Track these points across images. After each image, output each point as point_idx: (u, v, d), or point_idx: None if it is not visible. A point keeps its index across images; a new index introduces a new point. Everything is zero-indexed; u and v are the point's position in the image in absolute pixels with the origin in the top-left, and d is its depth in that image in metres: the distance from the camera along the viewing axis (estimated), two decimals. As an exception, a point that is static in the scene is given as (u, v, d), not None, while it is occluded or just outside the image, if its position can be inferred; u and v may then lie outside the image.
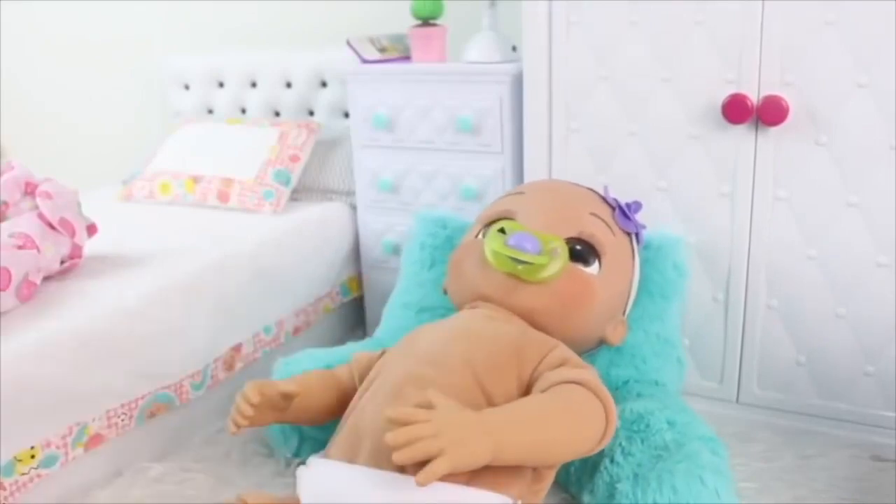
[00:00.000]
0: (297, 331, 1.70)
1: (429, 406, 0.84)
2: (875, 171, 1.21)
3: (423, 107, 1.64)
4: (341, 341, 1.65)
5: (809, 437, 1.34)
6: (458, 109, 1.60)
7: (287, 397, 1.04)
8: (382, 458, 0.86)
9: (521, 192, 1.23)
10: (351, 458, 0.92)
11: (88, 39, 2.55)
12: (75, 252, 1.42)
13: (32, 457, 1.15)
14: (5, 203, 1.41)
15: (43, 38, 2.64)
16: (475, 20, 1.65)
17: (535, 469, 0.94)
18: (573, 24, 1.38)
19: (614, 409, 0.94)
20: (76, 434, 1.21)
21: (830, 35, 1.19)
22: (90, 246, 1.49)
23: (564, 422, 0.89)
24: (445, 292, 1.21)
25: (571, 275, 1.08)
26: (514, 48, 1.61)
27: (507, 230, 1.10)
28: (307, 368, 1.22)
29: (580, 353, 1.06)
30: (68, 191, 1.45)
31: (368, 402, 0.97)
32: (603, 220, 1.16)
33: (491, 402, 0.93)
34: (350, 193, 1.89)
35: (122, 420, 1.28)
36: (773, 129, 1.26)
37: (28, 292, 1.25)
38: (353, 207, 1.86)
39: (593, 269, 1.12)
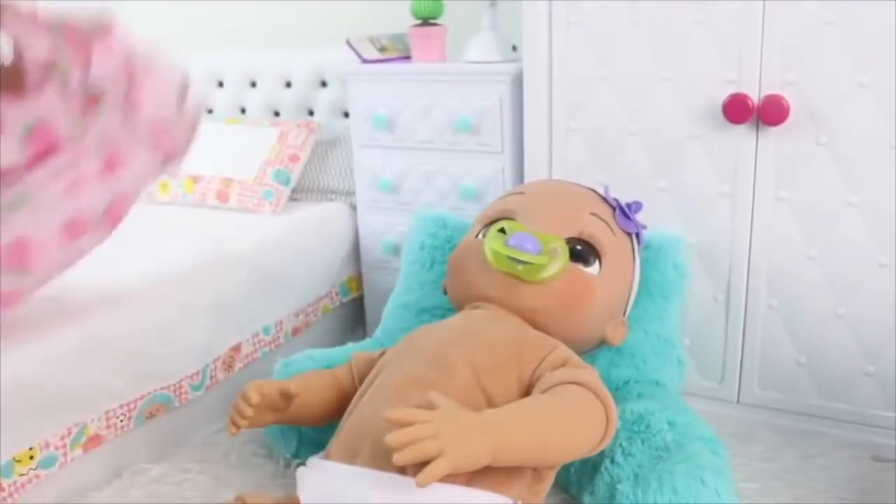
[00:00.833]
0: (296, 331, 1.69)
1: (429, 407, 0.83)
2: (876, 171, 1.21)
3: (423, 107, 1.64)
4: (341, 341, 1.65)
5: (810, 437, 1.34)
6: (458, 109, 1.60)
7: (287, 397, 1.04)
8: (382, 459, 0.86)
9: (521, 192, 1.22)
10: (351, 459, 0.91)
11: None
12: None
13: (31, 458, 1.15)
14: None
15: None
16: (475, 20, 1.65)
17: (535, 470, 0.94)
18: (573, 24, 1.38)
19: (615, 410, 0.94)
20: (75, 435, 1.21)
21: (831, 35, 1.19)
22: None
23: (565, 422, 0.89)
24: (445, 292, 1.21)
25: (572, 275, 1.08)
26: (514, 48, 1.61)
27: (507, 230, 1.10)
28: (307, 369, 1.21)
29: (580, 354, 1.05)
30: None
31: (368, 403, 0.97)
32: (603, 221, 1.16)
33: (491, 403, 0.93)
34: (350, 193, 1.89)
35: (121, 421, 1.28)
36: (774, 129, 1.26)
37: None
38: (353, 207, 1.86)
39: (593, 269, 1.12)
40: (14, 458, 1.12)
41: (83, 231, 1.08)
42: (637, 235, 1.23)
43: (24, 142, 0.95)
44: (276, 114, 2.15)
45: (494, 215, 1.18)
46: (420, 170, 1.68)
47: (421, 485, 0.77)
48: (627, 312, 1.21)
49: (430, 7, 1.65)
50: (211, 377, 1.45)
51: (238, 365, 1.52)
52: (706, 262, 1.37)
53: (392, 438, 0.78)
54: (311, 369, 1.19)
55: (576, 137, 1.44)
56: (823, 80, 1.21)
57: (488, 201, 1.52)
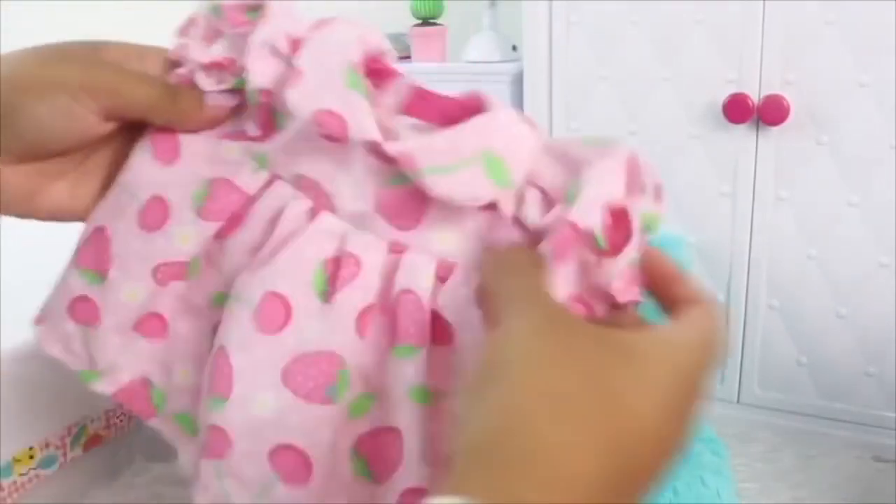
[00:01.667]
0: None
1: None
2: (876, 171, 1.21)
3: (423, 107, 1.64)
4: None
5: (810, 437, 1.34)
6: (458, 109, 1.60)
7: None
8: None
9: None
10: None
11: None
12: None
13: (31, 457, 1.15)
14: None
15: (43, 38, 2.64)
16: (475, 20, 1.65)
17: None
18: (573, 24, 1.38)
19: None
20: (75, 434, 1.21)
21: (831, 34, 1.19)
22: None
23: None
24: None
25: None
26: (514, 48, 1.61)
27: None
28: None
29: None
30: None
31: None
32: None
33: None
34: (350, 193, 1.89)
35: (122, 420, 1.28)
36: (774, 129, 1.26)
37: None
38: (353, 207, 1.86)
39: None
40: (14, 458, 1.12)
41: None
42: (637, 235, 1.22)
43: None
44: (277, 114, 2.15)
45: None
46: (420, 170, 1.68)
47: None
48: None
49: (430, 7, 1.65)
50: (211, 377, 1.45)
51: (238, 365, 1.52)
52: (706, 261, 1.37)
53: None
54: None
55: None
56: (824, 80, 1.21)
57: (488, 201, 1.52)
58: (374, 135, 0.34)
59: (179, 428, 0.45)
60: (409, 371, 0.35)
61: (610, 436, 0.26)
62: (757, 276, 1.34)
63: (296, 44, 0.36)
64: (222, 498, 0.38)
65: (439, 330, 0.35)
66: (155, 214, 0.40)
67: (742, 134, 1.29)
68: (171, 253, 0.40)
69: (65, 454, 1.20)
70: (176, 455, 0.48)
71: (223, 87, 0.38)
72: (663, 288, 0.35)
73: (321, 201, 0.38)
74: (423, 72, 1.64)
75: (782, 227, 1.30)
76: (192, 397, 0.42)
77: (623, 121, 1.38)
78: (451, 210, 0.35)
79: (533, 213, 0.34)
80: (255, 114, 0.39)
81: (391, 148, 0.34)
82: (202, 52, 0.39)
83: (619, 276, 0.33)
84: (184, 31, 0.40)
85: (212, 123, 0.40)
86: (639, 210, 0.34)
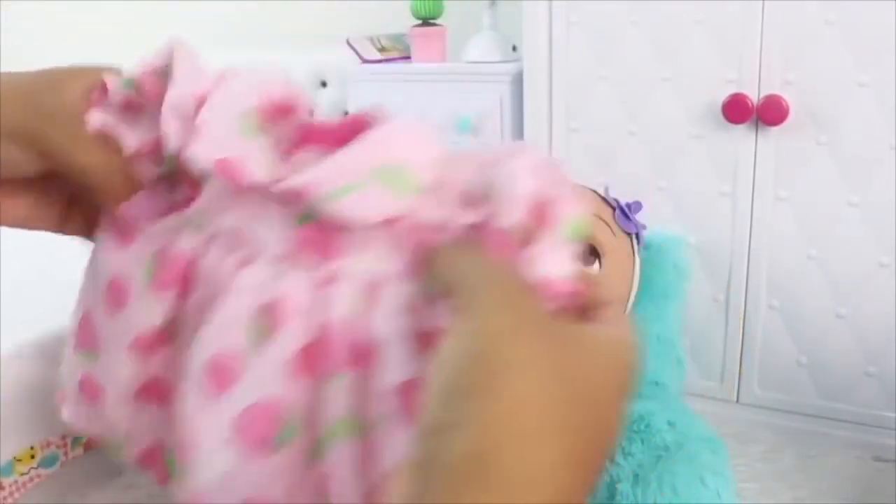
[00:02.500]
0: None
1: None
2: (876, 171, 1.21)
3: (423, 107, 1.64)
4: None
5: (810, 437, 1.34)
6: (458, 109, 1.60)
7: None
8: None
9: (521, 192, 1.22)
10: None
11: (88, 40, 2.55)
12: None
13: (32, 457, 1.15)
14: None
15: (43, 38, 2.64)
16: (475, 20, 1.65)
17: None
18: (573, 24, 1.38)
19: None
20: (76, 434, 1.21)
21: (831, 34, 1.19)
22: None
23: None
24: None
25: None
26: (514, 48, 1.61)
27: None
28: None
29: (580, 354, 1.06)
30: None
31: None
32: (603, 221, 1.16)
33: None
34: (350, 193, 1.89)
35: (122, 420, 1.28)
36: (774, 129, 1.26)
37: None
38: (354, 207, 1.86)
39: (593, 269, 1.12)
40: (15, 458, 1.13)
41: None
42: (637, 236, 1.22)
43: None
44: (277, 114, 2.15)
45: (494, 215, 1.18)
46: (420, 170, 1.68)
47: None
48: (627, 313, 1.21)
49: (430, 7, 1.65)
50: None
51: (238, 365, 1.52)
52: (706, 261, 1.37)
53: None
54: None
55: (576, 137, 1.44)
56: (823, 80, 1.21)
57: (488, 201, 1.52)
58: (262, 177, 0.35)
59: None
60: (341, 401, 0.35)
61: (587, 444, 0.27)
62: (757, 276, 1.34)
63: (201, 101, 0.37)
64: None
65: (369, 353, 0.35)
66: (118, 295, 0.41)
67: (742, 134, 1.29)
68: (142, 326, 0.41)
69: (66, 454, 1.20)
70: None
71: (162, 169, 0.40)
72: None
73: (249, 251, 0.38)
74: (423, 72, 1.64)
75: (782, 227, 1.30)
76: None
77: (623, 121, 1.38)
78: (367, 230, 0.35)
79: (453, 216, 0.34)
80: (183, 178, 0.40)
81: (286, 185, 0.34)
82: (133, 138, 0.39)
83: (547, 268, 0.33)
84: (97, 100, 0.40)
85: (134, 189, 0.41)
86: (559, 207, 0.34)
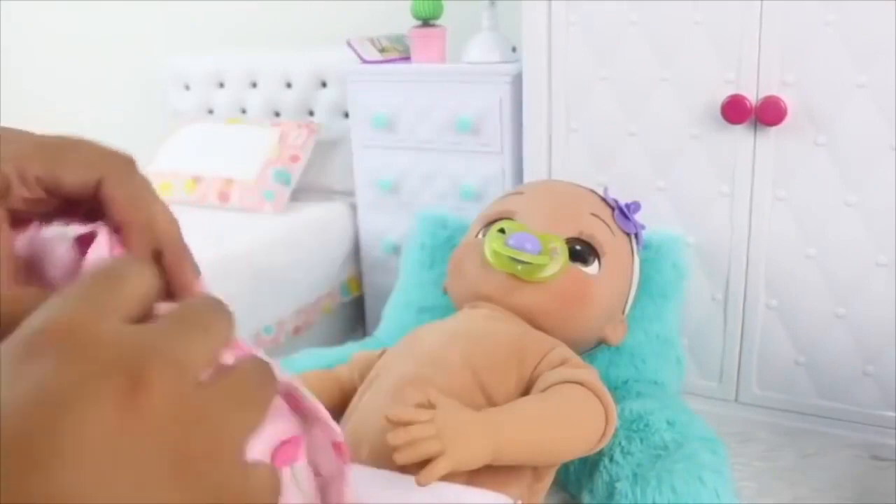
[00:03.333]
0: (297, 330, 1.70)
1: (429, 406, 0.84)
2: (874, 171, 1.22)
3: (423, 107, 1.64)
4: (341, 341, 1.65)
5: (809, 436, 1.34)
6: (458, 109, 1.60)
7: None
8: (383, 458, 0.86)
9: (520, 192, 1.23)
10: (351, 459, 0.92)
11: (89, 40, 2.55)
12: None
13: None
14: None
15: (43, 38, 2.64)
16: (475, 20, 1.65)
17: (534, 469, 0.94)
18: (573, 24, 1.38)
19: (614, 409, 0.94)
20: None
21: (830, 35, 1.19)
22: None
23: (564, 421, 0.90)
24: (446, 292, 1.21)
25: (571, 275, 1.08)
26: (514, 48, 1.61)
27: (506, 230, 1.10)
28: (307, 368, 1.21)
29: (580, 353, 1.06)
30: None
31: (369, 403, 0.97)
32: (603, 221, 1.16)
33: (491, 402, 0.93)
34: (350, 193, 1.90)
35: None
36: (773, 129, 1.26)
37: None
38: (354, 207, 1.86)
39: (593, 269, 1.12)
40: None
41: None
42: (636, 235, 1.23)
43: None
44: (277, 114, 2.15)
45: (494, 215, 1.18)
46: (420, 170, 1.68)
47: (422, 484, 0.77)
48: (626, 312, 1.21)
49: (430, 8, 1.66)
50: (212, 377, 1.45)
51: (239, 364, 1.52)
52: (705, 261, 1.38)
53: (392, 437, 0.79)
54: (311, 369, 1.19)
55: (575, 137, 1.44)
56: (822, 81, 1.22)
57: (488, 201, 1.52)
58: None
59: None
60: None
61: None
62: (755, 276, 1.34)
63: None
64: None
65: None
66: None
67: (740, 134, 1.29)
68: None
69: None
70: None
71: None
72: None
73: None
74: (423, 72, 1.64)
75: (781, 227, 1.31)
76: None
77: (622, 121, 1.39)
78: None
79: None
80: None
81: None
82: None
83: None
84: None
85: None
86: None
